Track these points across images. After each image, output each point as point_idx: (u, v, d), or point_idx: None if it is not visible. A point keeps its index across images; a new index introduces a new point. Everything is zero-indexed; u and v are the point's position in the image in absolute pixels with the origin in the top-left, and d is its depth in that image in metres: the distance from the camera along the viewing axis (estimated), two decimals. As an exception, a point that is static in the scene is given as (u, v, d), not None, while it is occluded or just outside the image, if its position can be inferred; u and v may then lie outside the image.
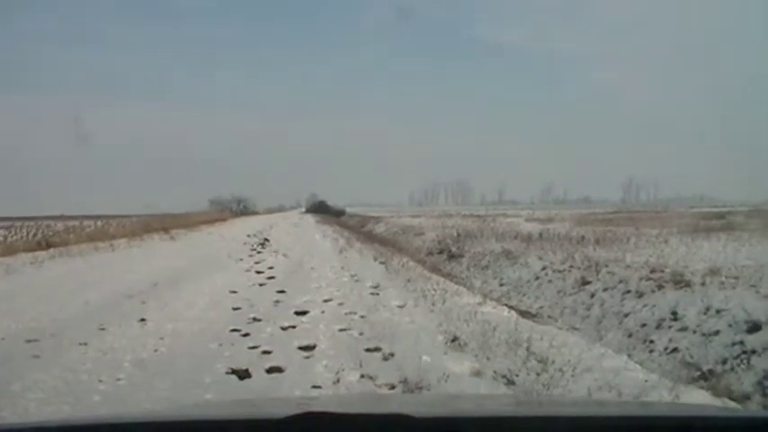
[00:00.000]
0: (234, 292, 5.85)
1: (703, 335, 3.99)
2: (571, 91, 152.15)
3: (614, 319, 5.01)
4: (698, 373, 3.55)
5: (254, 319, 4.49)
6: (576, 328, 5.05)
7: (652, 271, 5.90)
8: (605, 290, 5.76)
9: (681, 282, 5.19)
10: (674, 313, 4.50)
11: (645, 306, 4.89)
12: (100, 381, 2.94)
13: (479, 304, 5.09)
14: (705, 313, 4.25)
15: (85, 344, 3.71)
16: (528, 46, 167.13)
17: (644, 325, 4.60)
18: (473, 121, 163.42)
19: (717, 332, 3.92)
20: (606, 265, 6.61)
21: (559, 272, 7.10)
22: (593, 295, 5.83)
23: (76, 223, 17.57)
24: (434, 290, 5.80)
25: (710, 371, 3.55)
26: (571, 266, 7.10)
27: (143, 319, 4.46)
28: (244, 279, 6.87)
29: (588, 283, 6.21)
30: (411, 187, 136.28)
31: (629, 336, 4.56)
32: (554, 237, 11.24)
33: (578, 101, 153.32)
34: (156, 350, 3.60)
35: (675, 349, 4.00)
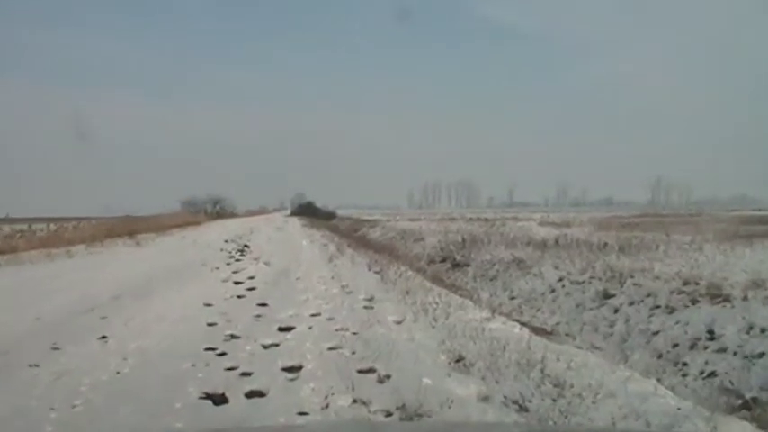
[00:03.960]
0: (209, 305, 5.81)
1: (745, 357, 3.99)
2: (590, 81, 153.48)
3: (641, 338, 5.02)
4: (739, 402, 3.54)
5: (232, 336, 4.45)
6: (597, 348, 5.04)
7: (685, 283, 5.91)
8: (631, 304, 5.77)
9: (718, 296, 5.18)
10: (711, 332, 4.50)
11: (677, 323, 4.90)
12: (52, 408, 2.89)
13: (487, 320, 5.07)
14: (747, 332, 4.26)
15: (36, 365, 3.65)
16: (540, 31, 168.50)
17: (676, 345, 4.60)
18: (479, 114, 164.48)
19: (761, 354, 3.93)
20: (632, 276, 6.63)
21: (578, 283, 7.11)
22: (616, 310, 5.83)
23: (25, 226, 17.38)
24: (436, 303, 5.78)
25: (754, 399, 3.54)
26: (591, 277, 7.11)
27: (103, 337, 4.41)
28: (220, 290, 6.81)
29: (611, 296, 6.23)
30: (409, 188, 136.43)
31: (659, 357, 4.56)
32: (572, 243, 11.29)
33: (598, 91, 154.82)
34: (118, 372, 3.55)
35: (713, 373, 4.00)
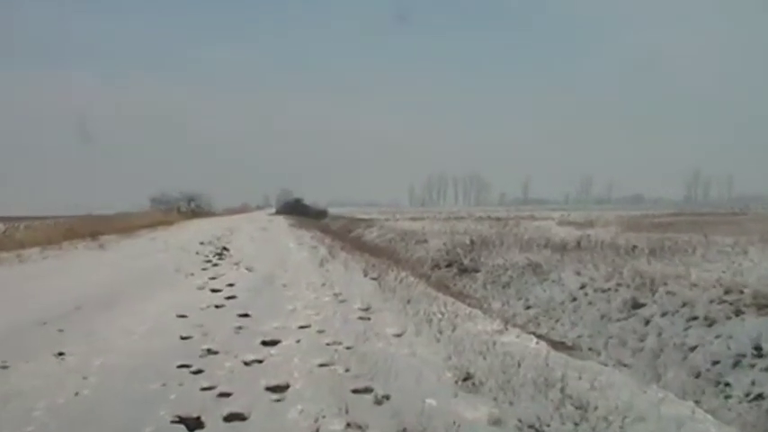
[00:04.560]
0: (183, 316, 5.80)
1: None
2: (618, 62, 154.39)
3: (676, 354, 5.02)
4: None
5: (209, 351, 4.44)
6: (624, 365, 5.05)
7: (727, 291, 5.91)
8: (664, 315, 5.77)
9: (766, 306, 5.18)
10: (758, 348, 4.50)
11: (717, 337, 4.90)
12: (1, 435, 2.88)
13: (499, 332, 5.08)
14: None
15: (-18, 386, 3.63)
16: (557, 7, 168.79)
17: (716, 362, 4.60)
18: (490, 100, 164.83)
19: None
20: (665, 283, 6.63)
21: (603, 291, 7.11)
22: (647, 322, 5.84)
23: (-37, 227, 17.26)
24: (441, 313, 5.79)
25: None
26: (618, 284, 7.12)
27: (61, 353, 4.39)
28: (196, 299, 6.80)
29: (641, 306, 6.23)
30: (411, 182, 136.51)
31: (697, 376, 4.56)
32: (596, 245, 11.31)
33: (627, 74, 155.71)
34: (77, 393, 3.53)
35: (760, 395, 4.01)
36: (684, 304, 5.76)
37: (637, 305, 6.29)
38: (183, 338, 4.88)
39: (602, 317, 6.51)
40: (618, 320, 6.23)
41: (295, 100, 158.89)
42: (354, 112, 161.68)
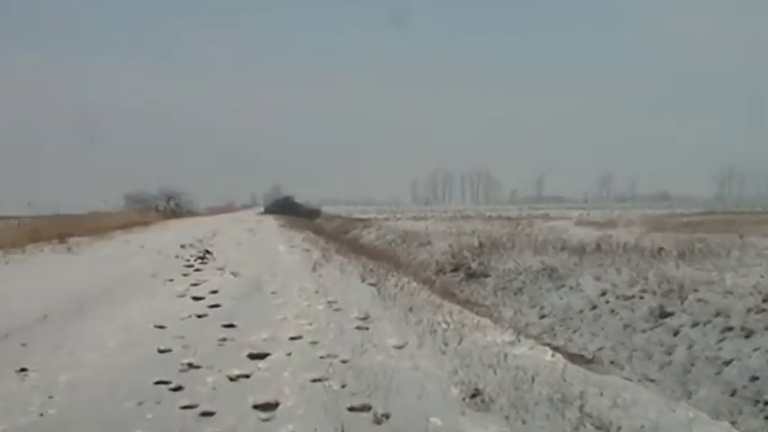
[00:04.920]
0: (160, 326, 5.77)
1: None
2: (637, 50, 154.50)
3: (709, 368, 5.00)
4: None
5: (190, 366, 4.42)
6: (651, 380, 5.03)
7: (766, 299, 5.89)
8: (694, 325, 5.76)
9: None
10: (802, 362, 4.48)
11: (756, 350, 4.88)
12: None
13: (511, 344, 5.07)
14: None
15: (-60, 404, 3.60)
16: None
17: (755, 378, 4.59)
18: (499, 89, 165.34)
19: None
20: (695, 290, 6.61)
21: (626, 298, 7.11)
22: (676, 333, 5.83)
23: None
24: (447, 323, 5.78)
25: None
26: (643, 291, 7.11)
27: (23, 369, 4.35)
28: (175, 308, 6.78)
29: (669, 314, 6.22)
30: (413, 178, 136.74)
31: (732, 393, 4.54)
32: (617, 248, 11.28)
33: (647, 63, 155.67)
34: (42, 414, 3.50)
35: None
36: (718, 313, 5.74)
37: (664, 314, 6.28)
38: (160, 351, 4.85)
39: (626, 327, 6.50)
40: (643, 331, 6.21)
41: (285, 90, 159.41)
42: (351, 103, 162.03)
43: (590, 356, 6.01)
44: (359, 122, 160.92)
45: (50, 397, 3.77)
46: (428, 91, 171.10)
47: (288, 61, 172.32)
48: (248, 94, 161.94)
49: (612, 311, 7.02)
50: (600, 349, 6.27)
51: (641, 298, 6.96)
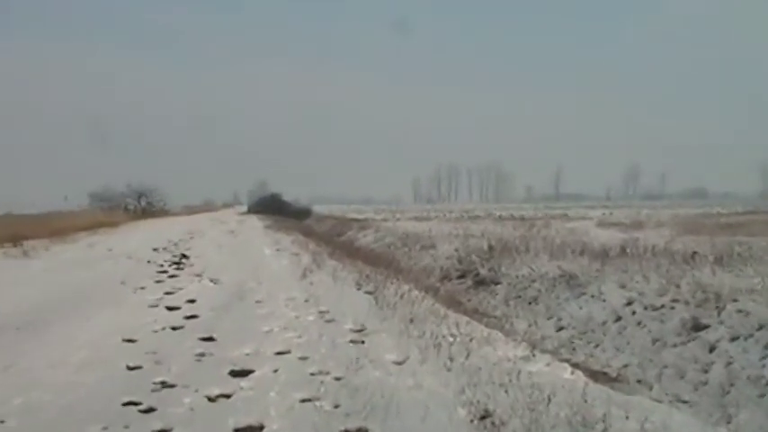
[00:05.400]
0: (130, 340, 5.77)
1: None
2: (674, 23, 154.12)
3: (750, 389, 5.01)
4: None
5: (164, 385, 4.42)
6: (683, 401, 5.04)
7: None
8: (733, 340, 5.77)
9: None
10: None
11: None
12: None
13: (525, 359, 5.08)
14: None
15: None
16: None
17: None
18: (512, 75, 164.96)
19: None
20: (734, 300, 6.62)
21: (655, 309, 7.11)
22: (712, 348, 5.83)
23: None
24: (453, 335, 5.79)
25: None
26: (674, 300, 7.11)
27: (-29, 390, 4.35)
28: (147, 319, 6.78)
29: (704, 327, 6.22)
30: (415, 175, 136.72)
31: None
32: (645, 252, 11.29)
33: (685, 39, 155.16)
34: (-5, 439, 3.51)
35: None
36: (761, 326, 5.75)
37: (698, 327, 6.28)
38: (130, 369, 4.85)
39: (655, 341, 6.50)
40: (674, 346, 6.21)
41: (271, 77, 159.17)
42: (346, 96, 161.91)
43: (614, 374, 6.01)
44: (354, 116, 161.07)
45: (1, 422, 3.75)
46: (431, 84, 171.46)
47: (278, 52, 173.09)
48: (233, 85, 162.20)
49: (639, 323, 7.01)
50: (625, 366, 6.27)
51: (672, 308, 6.95)
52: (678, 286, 7.58)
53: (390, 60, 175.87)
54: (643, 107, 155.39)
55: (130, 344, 5.66)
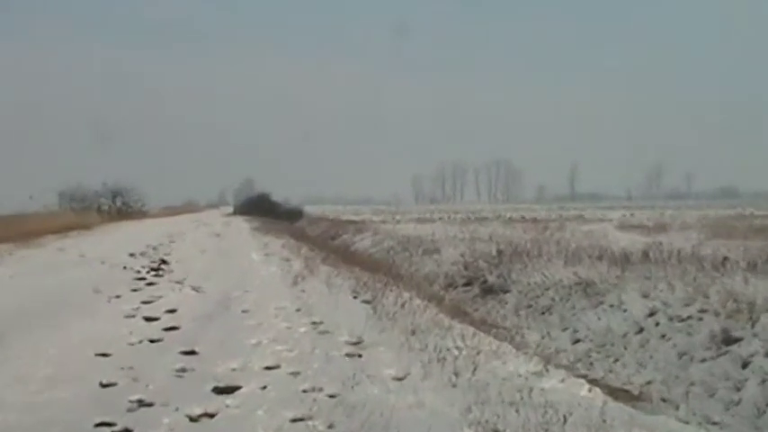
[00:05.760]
0: (104, 354, 5.75)
1: None
2: (693, 12, 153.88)
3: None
4: None
5: (141, 403, 4.40)
6: (713, 423, 5.04)
7: None
8: (770, 355, 5.75)
9: None
10: None
11: None
12: None
13: (537, 375, 5.08)
14: None
15: None
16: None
17: None
18: (523, 64, 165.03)
19: None
20: (770, 310, 6.61)
21: (681, 320, 7.11)
22: (745, 364, 5.82)
23: None
24: (458, 348, 5.79)
25: None
26: (703, 311, 7.11)
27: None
28: (123, 331, 6.77)
29: (736, 340, 6.22)
30: (416, 172, 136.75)
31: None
32: (670, 257, 11.27)
33: (714, 19, 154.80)
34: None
35: None
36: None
37: (729, 340, 6.27)
38: (103, 386, 4.83)
39: (681, 355, 6.49)
40: (703, 361, 6.21)
41: (262, 71, 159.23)
42: (340, 84, 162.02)
43: (636, 392, 6.01)
44: (350, 111, 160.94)
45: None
46: (433, 75, 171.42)
47: (268, 44, 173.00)
48: (220, 80, 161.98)
49: (664, 336, 7.00)
50: (648, 383, 6.26)
51: (700, 320, 6.94)
52: (707, 295, 7.57)
53: (389, 50, 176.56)
54: (667, 100, 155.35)
55: (104, 358, 5.63)
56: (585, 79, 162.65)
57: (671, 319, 7.24)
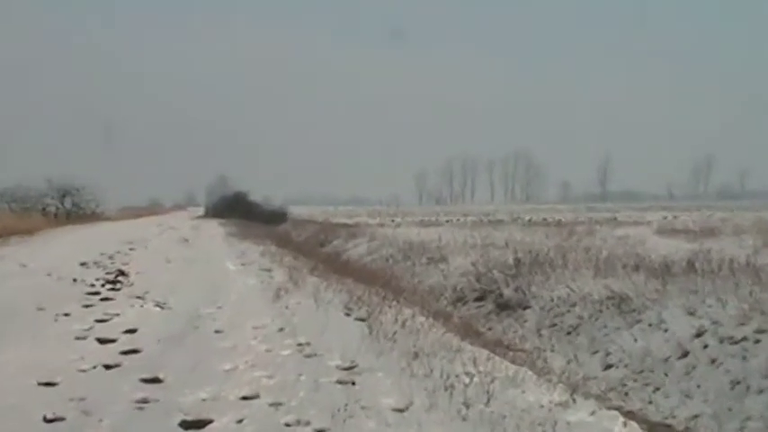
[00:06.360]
0: (49, 384, 5.74)
1: None
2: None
3: None
4: None
5: (93, 441, 4.40)
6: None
7: None
8: None
9: None
10: None
11: None
12: None
13: (562, 406, 5.08)
14: None
15: None
16: None
17: None
18: (543, 42, 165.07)
19: None
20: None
21: (735, 342, 7.10)
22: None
23: None
24: (469, 374, 5.80)
25: None
26: (761, 331, 7.12)
27: None
28: (72, 355, 6.75)
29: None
30: (420, 168, 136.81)
31: None
32: (720, 267, 11.26)
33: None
34: None
35: None
36: None
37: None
38: (48, 421, 4.82)
39: (734, 384, 6.48)
40: (761, 391, 6.20)
41: (234, 45, 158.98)
42: (326, 62, 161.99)
43: (680, 427, 6.01)
44: (342, 98, 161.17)
45: None
46: (438, 55, 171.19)
47: (244, 18, 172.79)
48: (187, 60, 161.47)
49: (714, 361, 6.99)
50: (695, 417, 6.26)
51: (757, 342, 6.93)
52: (765, 313, 7.57)
53: (387, 24, 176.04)
54: (717, 84, 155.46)
55: (49, 388, 5.62)
56: (620, 59, 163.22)
57: (722, 340, 7.23)
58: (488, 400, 5.10)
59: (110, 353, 6.83)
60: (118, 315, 8.99)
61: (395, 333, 7.54)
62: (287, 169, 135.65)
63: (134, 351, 6.89)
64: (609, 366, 7.91)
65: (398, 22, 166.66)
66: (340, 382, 5.66)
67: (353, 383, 5.64)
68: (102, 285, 12.03)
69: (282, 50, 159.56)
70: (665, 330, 8.02)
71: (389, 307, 9.22)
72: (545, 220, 40.44)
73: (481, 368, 6.05)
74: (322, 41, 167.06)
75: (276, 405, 5.07)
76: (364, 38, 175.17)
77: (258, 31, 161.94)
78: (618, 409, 5.56)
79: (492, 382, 5.59)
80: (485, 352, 7.03)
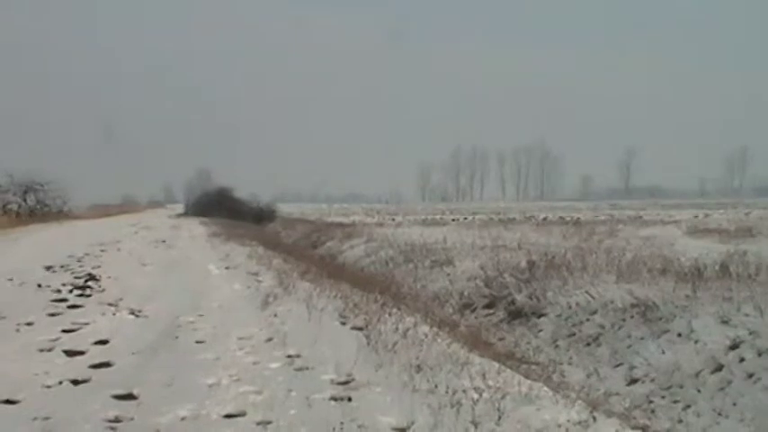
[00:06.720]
0: (10, 401, 5.75)
1: None
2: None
3: None
4: None
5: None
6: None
7: None
8: None
9: None
10: None
11: None
12: None
13: (582, 425, 5.09)
14: None
15: None
16: None
17: None
18: (559, 23, 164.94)
19: None
20: None
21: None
22: None
23: None
24: (477, 390, 5.81)
25: None
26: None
27: None
28: (36, 369, 6.76)
29: None
30: (424, 163, 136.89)
31: None
32: (758, 271, 11.26)
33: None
34: None
35: None
36: None
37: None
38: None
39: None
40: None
41: (225, 35, 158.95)
42: (320, 47, 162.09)
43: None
44: (337, 86, 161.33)
45: None
46: (443, 40, 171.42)
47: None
48: (171, 47, 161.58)
49: (751, 376, 6.99)
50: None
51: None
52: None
53: (385, 7, 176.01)
54: (753, 69, 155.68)
55: (10, 406, 5.63)
56: (645, 42, 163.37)
57: (761, 353, 7.23)
58: (499, 419, 5.11)
59: (78, 366, 6.83)
60: (87, 324, 9.00)
61: (395, 344, 7.55)
62: (276, 165, 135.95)
63: (105, 364, 6.90)
64: (633, 381, 7.91)
65: (404, 8, 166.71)
66: (334, 399, 5.67)
67: (349, 400, 5.65)
68: (70, 291, 12.04)
69: (270, 38, 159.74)
70: (696, 341, 8.01)
71: (389, 315, 9.24)
72: (562, 218, 40.57)
73: (491, 383, 6.05)
74: (317, 28, 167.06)
75: (264, 424, 5.07)
76: (364, 22, 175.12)
77: (245, 21, 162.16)
78: (643, 428, 5.57)
79: (503, 398, 5.59)
80: (495, 365, 7.05)
